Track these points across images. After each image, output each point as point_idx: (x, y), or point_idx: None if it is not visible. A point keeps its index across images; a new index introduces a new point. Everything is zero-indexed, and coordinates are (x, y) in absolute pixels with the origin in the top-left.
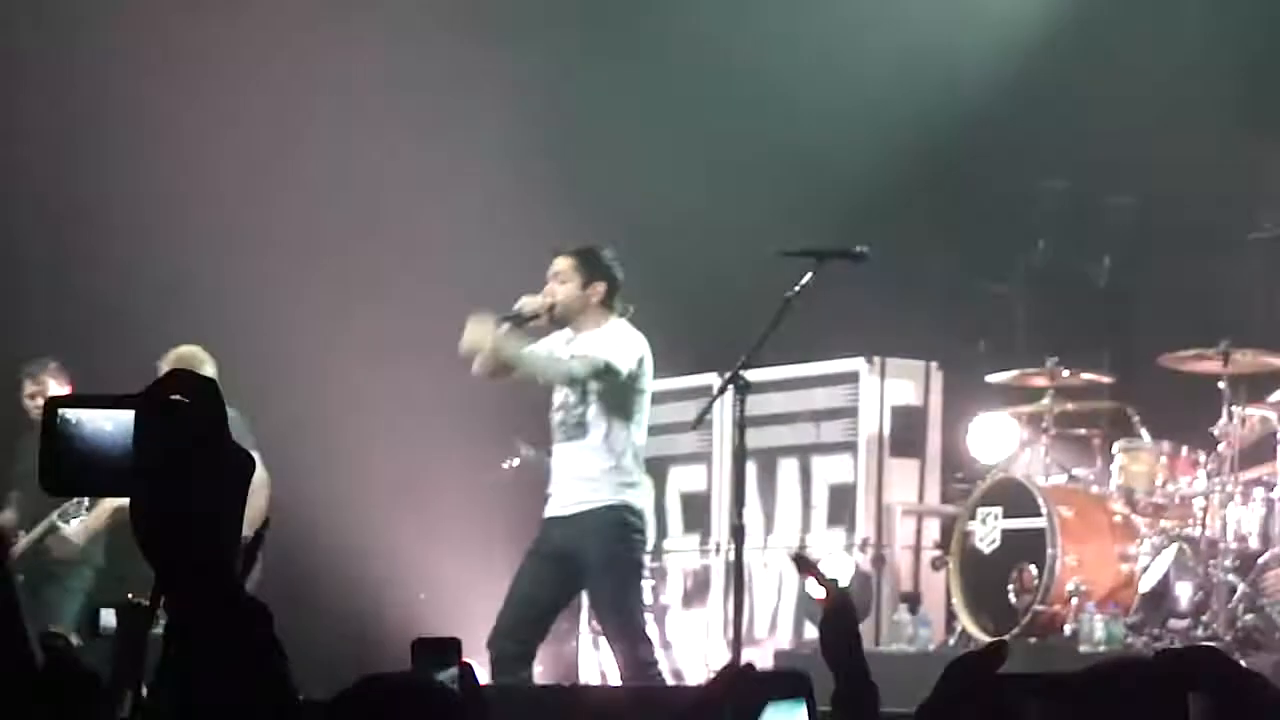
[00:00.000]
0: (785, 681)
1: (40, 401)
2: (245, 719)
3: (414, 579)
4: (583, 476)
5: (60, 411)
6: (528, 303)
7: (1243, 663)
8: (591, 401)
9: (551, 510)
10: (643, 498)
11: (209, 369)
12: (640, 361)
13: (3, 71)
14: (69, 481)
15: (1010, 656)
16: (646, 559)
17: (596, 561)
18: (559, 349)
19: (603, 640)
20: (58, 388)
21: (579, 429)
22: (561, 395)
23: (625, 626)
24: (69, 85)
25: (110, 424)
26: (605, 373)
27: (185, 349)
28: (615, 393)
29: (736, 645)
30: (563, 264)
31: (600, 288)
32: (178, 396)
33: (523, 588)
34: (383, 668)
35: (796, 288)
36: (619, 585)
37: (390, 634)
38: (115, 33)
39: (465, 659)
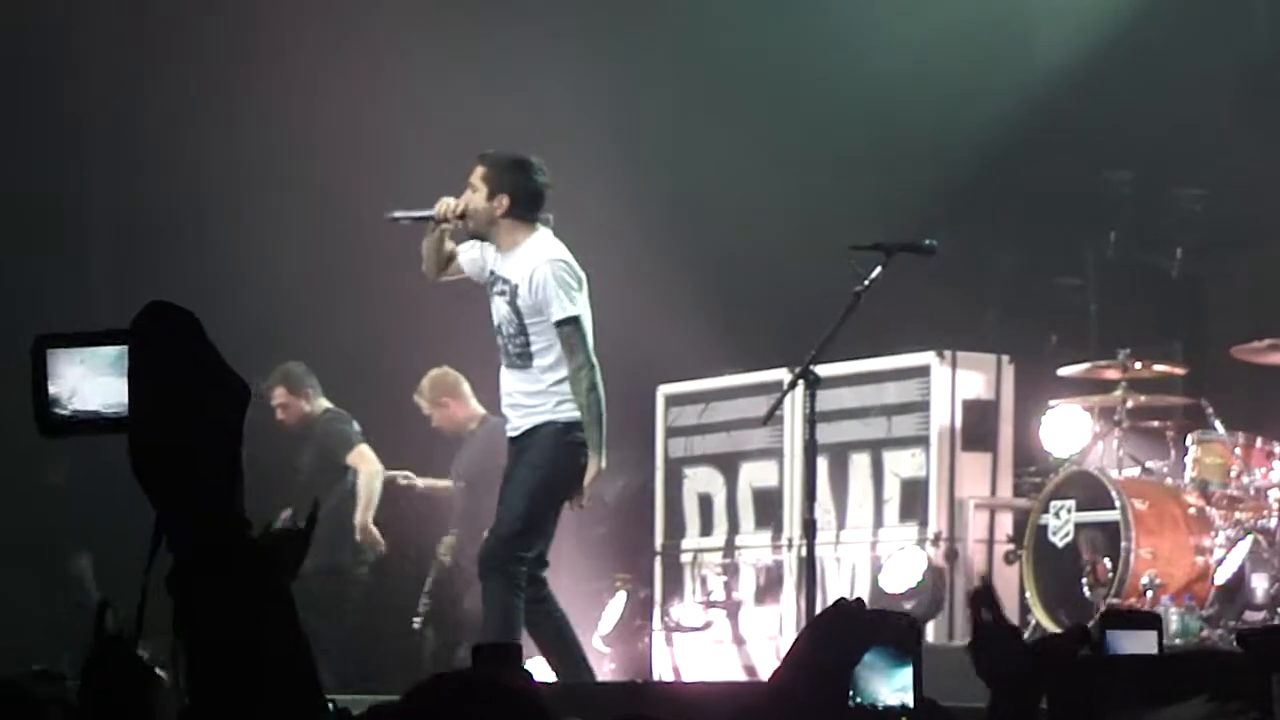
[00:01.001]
0: (891, 629)
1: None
2: (251, 659)
3: None
4: (526, 400)
5: (49, 351)
6: (440, 205)
7: None
8: (532, 333)
9: (509, 432)
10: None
11: (464, 387)
12: (575, 283)
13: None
14: (64, 422)
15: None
16: (576, 484)
17: (526, 453)
18: (489, 259)
19: (676, 636)
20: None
21: (522, 359)
22: (499, 318)
23: (515, 513)
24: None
25: (102, 361)
26: (577, 329)
27: (437, 371)
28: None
29: None
30: (476, 172)
31: (504, 201)
32: (162, 330)
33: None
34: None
35: (866, 282)
36: (533, 474)
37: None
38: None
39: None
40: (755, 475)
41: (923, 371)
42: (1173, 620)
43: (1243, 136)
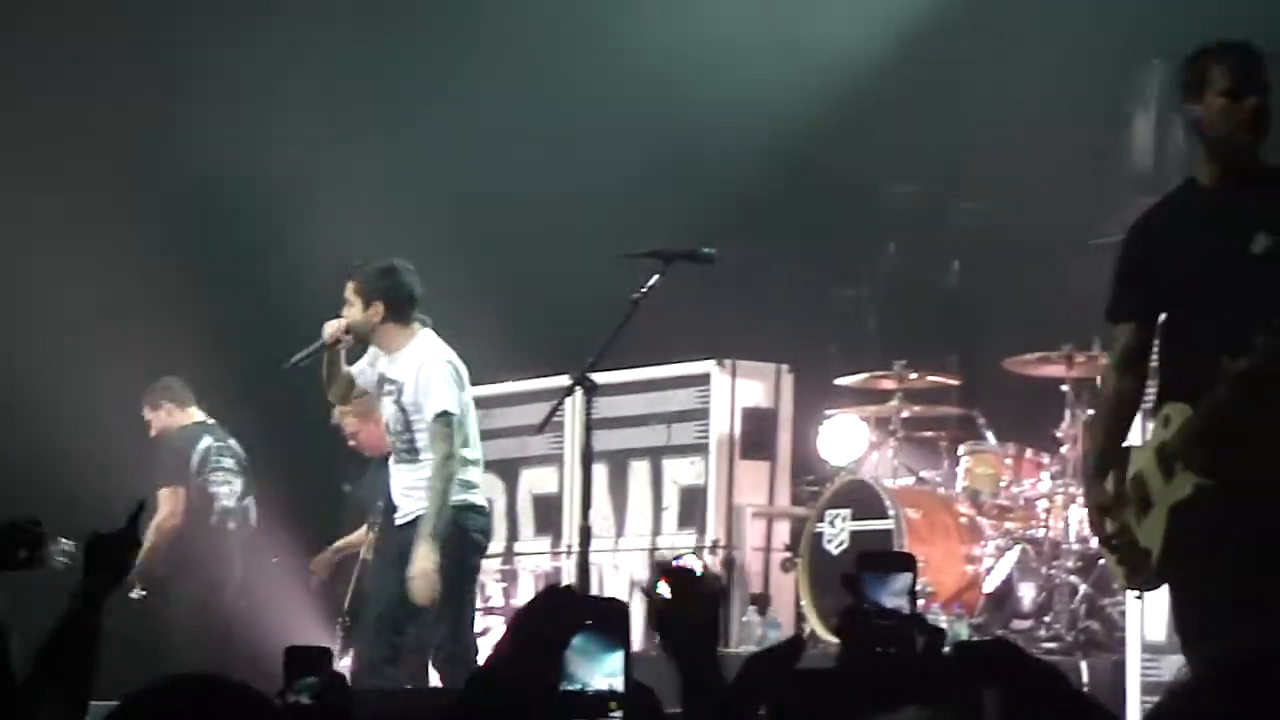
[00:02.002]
0: (600, 614)
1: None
2: None
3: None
4: (414, 490)
5: None
6: (326, 328)
7: (1083, 663)
8: (416, 430)
9: (397, 519)
10: (477, 495)
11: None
12: (456, 382)
13: None
14: None
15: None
16: (478, 559)
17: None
18: (380, 365)
19: None
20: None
21: (410, 453)
22: (388, 417)
23: (446, 631)
24: None
25: None
26: (449, 424)
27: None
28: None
29: None
30: (348, 288)
31: (379, 308)
32: None
33: (376, 589)
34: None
35: (644, 289)
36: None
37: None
38: None
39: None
40: (535, 482)
41: (703, 380)
42: (943, 628)
43: (1018, 152)
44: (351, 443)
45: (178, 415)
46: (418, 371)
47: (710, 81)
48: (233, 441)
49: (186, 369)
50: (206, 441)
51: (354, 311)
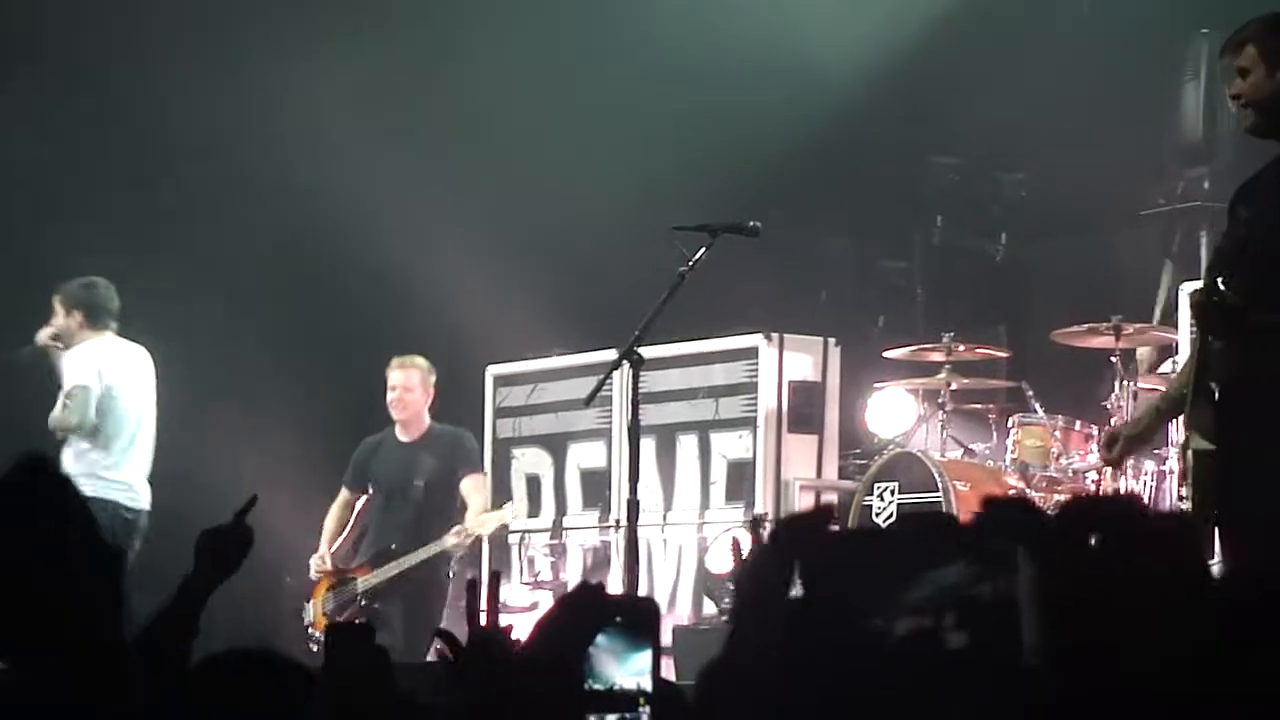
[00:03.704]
0: (627, 612)
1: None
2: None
3: None
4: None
5: None
6: (38, 335)
7: None
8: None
9: None
10: (105, 489)
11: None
12: (87, 375)
13: None
14: None
15: None
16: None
17: None
18: None
19: (503, 617)
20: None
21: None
22: None
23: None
24: None
25: None
26: (70, 396)
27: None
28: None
29: None
30: (56, 300)
31: (79, 315)
32: None
33: None
34: None
35: (690, 263)
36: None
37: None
38: None
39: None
40: (583, 456)
41: (750, 353)
42: None
43: (1067, 123)
44: (393, 396)
45: None
46: (66, 361)
47: (756, 55)
48: None
49: None
50: None
51: (59, 320)
